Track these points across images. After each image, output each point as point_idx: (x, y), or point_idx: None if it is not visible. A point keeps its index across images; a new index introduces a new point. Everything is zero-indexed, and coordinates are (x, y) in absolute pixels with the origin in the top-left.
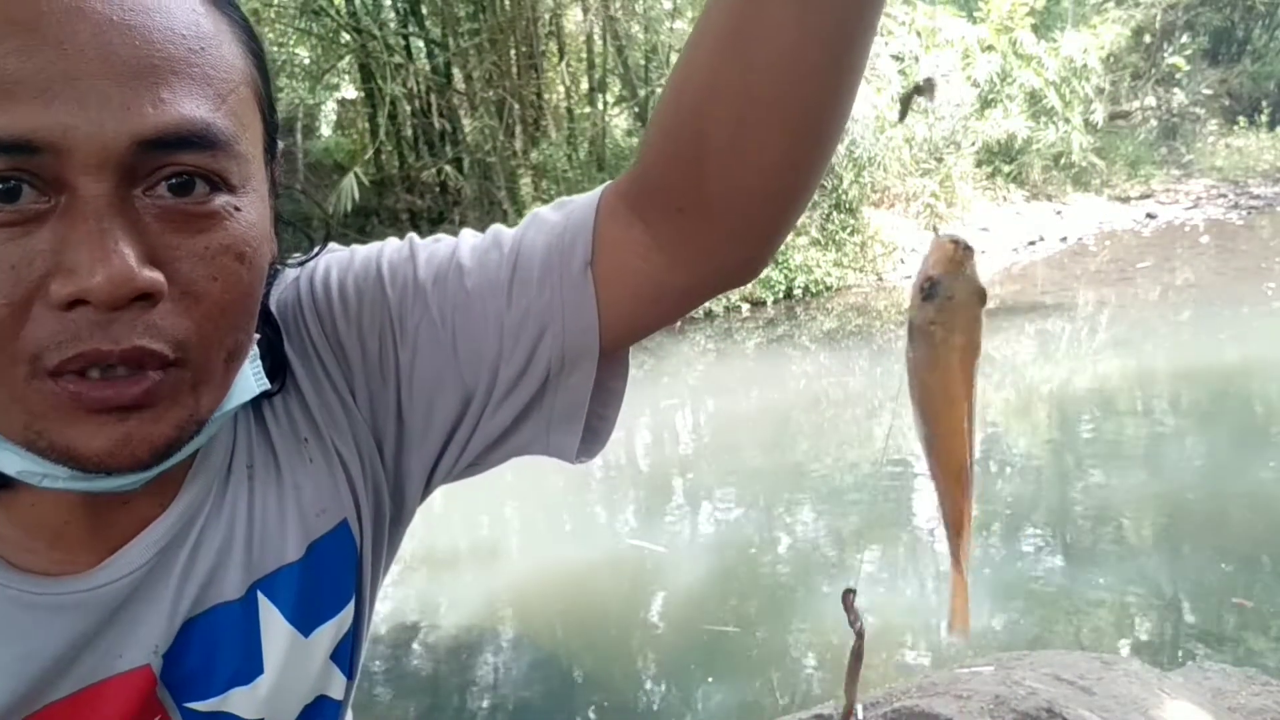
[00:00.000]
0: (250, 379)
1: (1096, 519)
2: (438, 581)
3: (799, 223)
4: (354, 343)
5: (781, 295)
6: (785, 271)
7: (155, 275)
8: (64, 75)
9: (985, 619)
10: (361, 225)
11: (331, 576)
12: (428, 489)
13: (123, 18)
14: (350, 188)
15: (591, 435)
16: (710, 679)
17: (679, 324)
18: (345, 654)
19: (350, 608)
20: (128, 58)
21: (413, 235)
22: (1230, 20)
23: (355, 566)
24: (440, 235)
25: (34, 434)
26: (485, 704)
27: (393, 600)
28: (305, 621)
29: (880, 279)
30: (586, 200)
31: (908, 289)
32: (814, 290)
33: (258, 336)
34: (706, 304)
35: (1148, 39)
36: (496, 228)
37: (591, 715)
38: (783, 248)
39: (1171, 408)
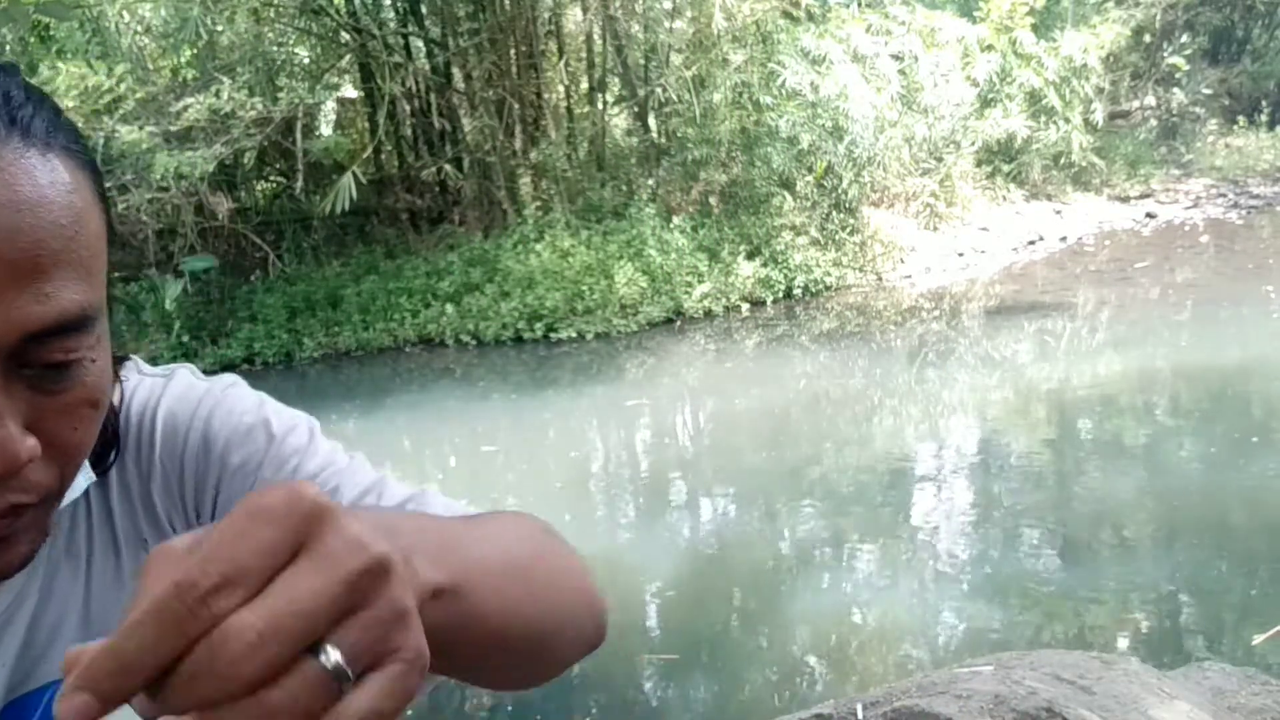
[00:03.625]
0: (81, 477)
1: (1096, 519)
2: None
3: (799, 222)
4: (213, 487)
5: (781, 295)
6: (785, 271)
7: (34, 444)
8: None
9: (985, 618)
10: (361, 225)
11: None
12: None
13: (11, 221)
14: (349, 187)
15: None
16: (710, 678)
17: (679, 324)
18: None
19: None
20: (15, 259)
21: (317, 430)
22: (1230, 20)
23: None
24: (351, 455)
25: None
26: (485, 704)
27: None
28: None
29: (880, 279)
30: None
31: (907, 289)
32: (813, 290)
33: None
34: (706, 304)
35: (1148, 39)
36: (388, 480)
37: (591, 715)
38: (783, 247)
39: (1171, 408)
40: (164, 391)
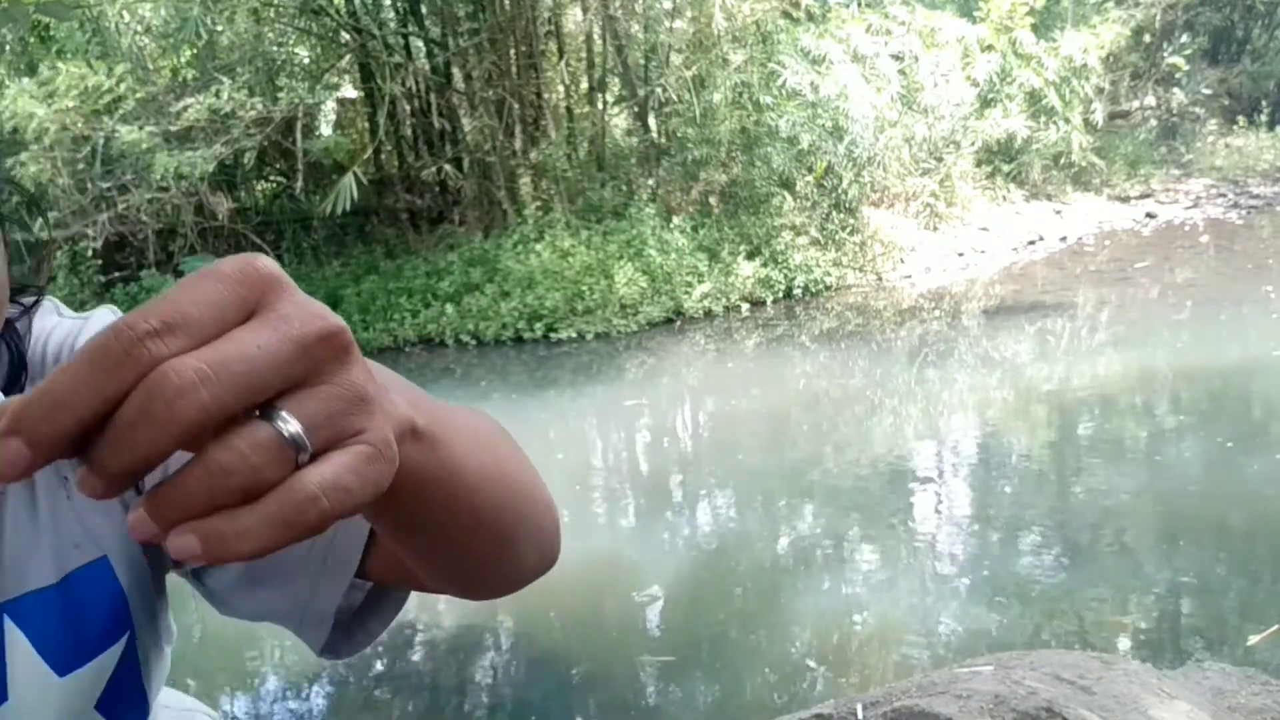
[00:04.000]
0: None
1: (1096, 519)
2: None
3: (799, 222)
4: None
5: (781, 295)
6: (785, 271)
7: None
8: None
9: (985, 618)
10: (361, 225)
11: (90, 612)
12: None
13: None
14: (349, 187)
15: (346, 638)
16: (710, 677)
17: (679, 324)
18: (114, 705)
19: (116, 652)
20: None
21: None
22: (1230, 20)
23: (122, 605)
24: None
25: None
26: (485, 704)
27: None
28: (60, 658)
29: (880, 279)
30: None
31: (907, 289)
32: (813, 290)
33: None
34: (706, 304)
35: (1148, 39)
36: None
37: (591, 715)
38: (783, 247)
39: (1171, 408)
40: (80, 330)
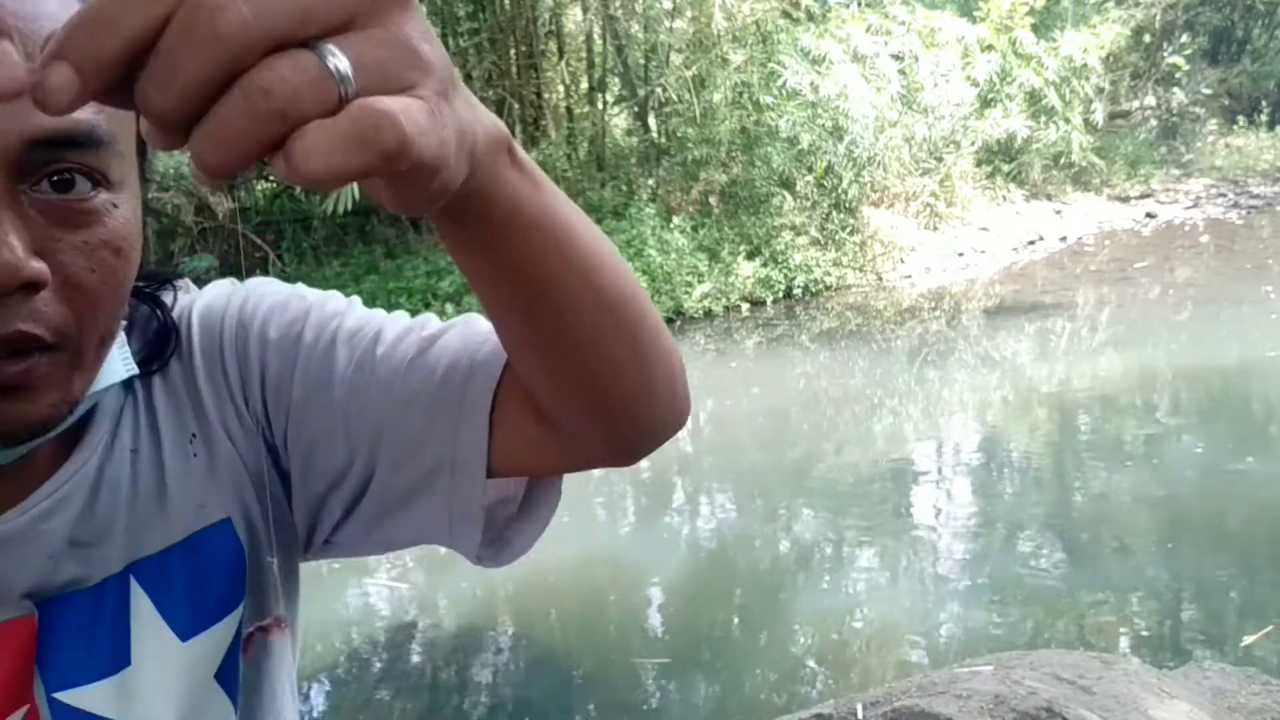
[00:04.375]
0: (119, 363)
1: (1096, 519)
2: (437, 581)
3: (799, 222)
4: (257, 364)
5: (781, 295)
6: (785, 271)
7: (40, 266)
8: None
9: (985, 618)
10: (361, 225)
11: (212, 575)
12: (314, 535)
13: (13, 23)
14: (350, 186)
15: (503, 545)
16: (710, 677)
17: (679, 323)
18: (233, 677)
19: (236, 616)
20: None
21: (356, 299)
22: (1230, 20)
23: (242, 570)
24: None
25: None
26: (484, 704)
27: (392, 600)
28: (182, 622)
29: (880, 278)
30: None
31: (907, 289)
32: (813, 290)
33: (125, 323)
34: (706, 304)
35: (1148, 39)
36: (429, 316)
37: (591, 715)
38: (783, 247)
39: (1171, 408)
40: (200, 293)
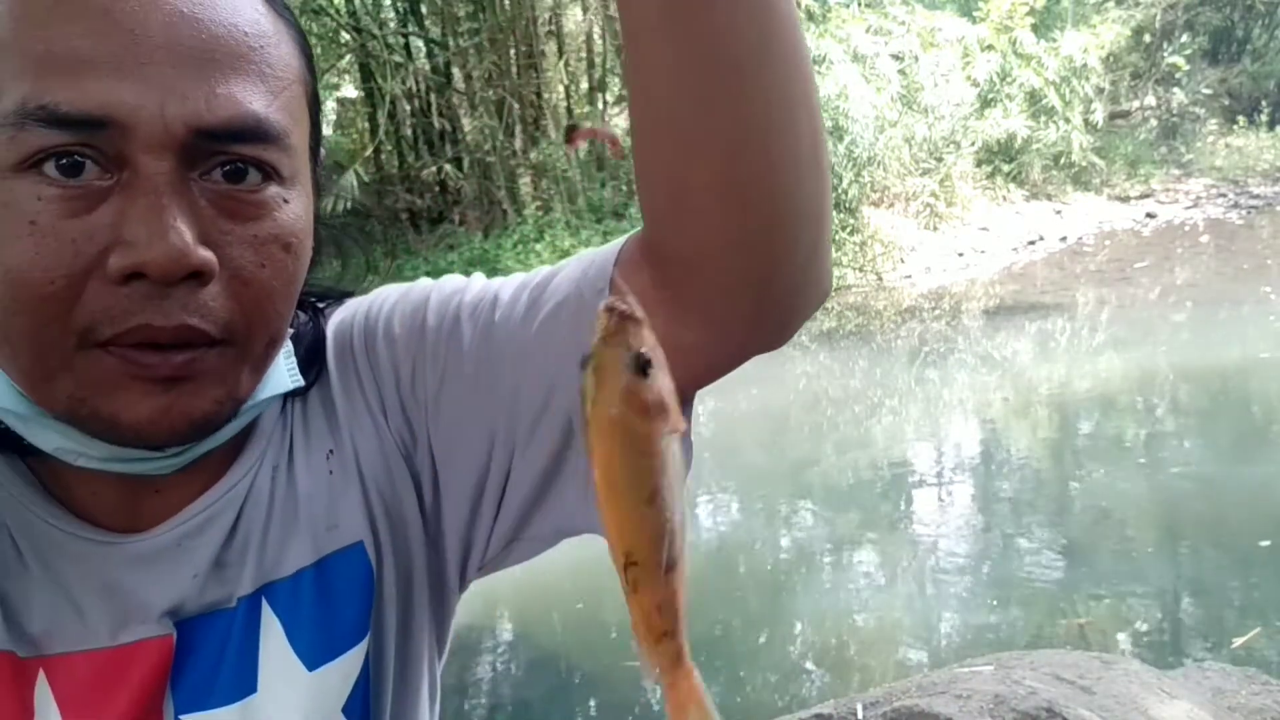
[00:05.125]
0: (284, 372)
1: (1096, 519)
2: None
3: None
4: (389, 365)
5: None
6: None
7: (209, 255)
8: (135, 60)
9: (985, 618)
10: (361, 225)
11: (342, 601)
12: (471, 552)
13: (192, 11)
14: (350, 186)
15: None
16: (710, 678)
17: None
18: (360, 709)
19: (363, 648)
20: (194, 49)
21: (478, 274)
22: (1230, 20)
23: (370, 598)
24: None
25: (78, 402)
26: (485, 704)
27: None
28: (309, 649)
29: (880, 279)
30: (611, 244)
31: (907, 289)
32: None
33: (292, 331)
34: None
35: (1148, 39)
36: (545, 267)
37: (591, 715)
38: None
39: (1171, 408)
40: (362, 304)
